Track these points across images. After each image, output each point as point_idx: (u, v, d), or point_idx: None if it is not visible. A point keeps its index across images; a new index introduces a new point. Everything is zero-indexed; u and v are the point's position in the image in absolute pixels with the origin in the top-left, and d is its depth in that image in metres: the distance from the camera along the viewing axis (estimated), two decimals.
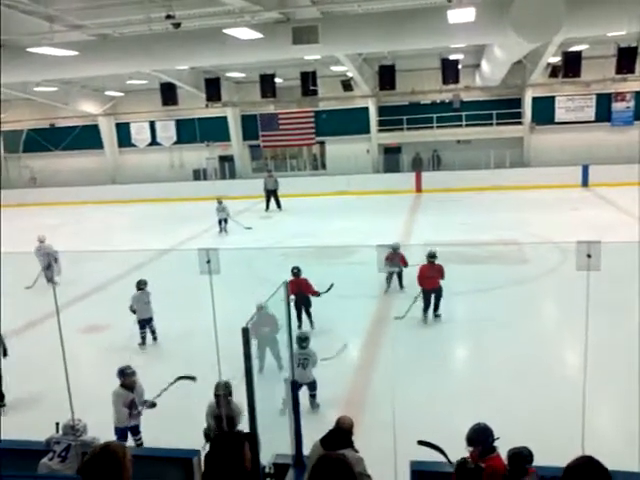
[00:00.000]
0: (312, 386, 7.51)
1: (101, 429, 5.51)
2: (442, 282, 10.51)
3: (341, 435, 4.48)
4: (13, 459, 4.96)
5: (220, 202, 20.47)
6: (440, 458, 4.61)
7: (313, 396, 7.56)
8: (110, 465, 2.69)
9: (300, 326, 10.31)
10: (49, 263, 13.75)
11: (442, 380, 8.27)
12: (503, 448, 4.43)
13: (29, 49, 14.55)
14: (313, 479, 2.70)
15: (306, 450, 5.27)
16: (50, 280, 13.20)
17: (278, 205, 24.49)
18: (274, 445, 5.00)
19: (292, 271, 10.42)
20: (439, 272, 10.52)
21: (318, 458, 2.81)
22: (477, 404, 7.34)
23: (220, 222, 20.33)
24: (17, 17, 14.65)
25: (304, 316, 10.53)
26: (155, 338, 10.40)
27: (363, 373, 8.67)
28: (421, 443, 4.69)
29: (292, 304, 9.23)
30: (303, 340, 7.52)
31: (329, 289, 10.47)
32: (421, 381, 7.97)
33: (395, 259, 11.50)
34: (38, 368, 8.72)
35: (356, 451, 4.43)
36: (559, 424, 6.36)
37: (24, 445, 5.35)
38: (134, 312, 10.12)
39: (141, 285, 10.30)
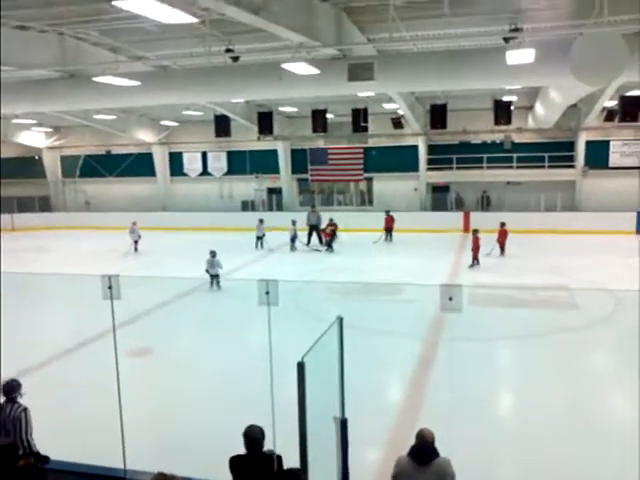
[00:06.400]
0: (218, 276, 15.54)
1: (147, 452, 5.46)
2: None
3: (429, 447, 4.49)
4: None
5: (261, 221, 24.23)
6: None
7: (219, 282, 15.66)
8: None
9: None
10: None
11: (489, 426, 7.98)
12: None
13: (95, 79, 15.12)
14: None
15: None
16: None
17: (320, 240, 24.40)
18: None
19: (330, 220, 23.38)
20: (392, 219, 24.73)
21: None
22: (524, 452, 7.07)
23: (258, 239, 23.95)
24: (85, 49, 15.34)
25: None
26: None
27: (407, 414, 8.43)
28: None
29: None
30: (215, 254, 15.71)
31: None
32: (466, 426, 7.70)
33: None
34: (86, 389, 8.78)
35: None
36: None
37: (74, 468, 5.31)
38: None
39: None
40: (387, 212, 25.03)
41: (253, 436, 4.50)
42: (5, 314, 14.10)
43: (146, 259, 22.42)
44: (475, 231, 19.12)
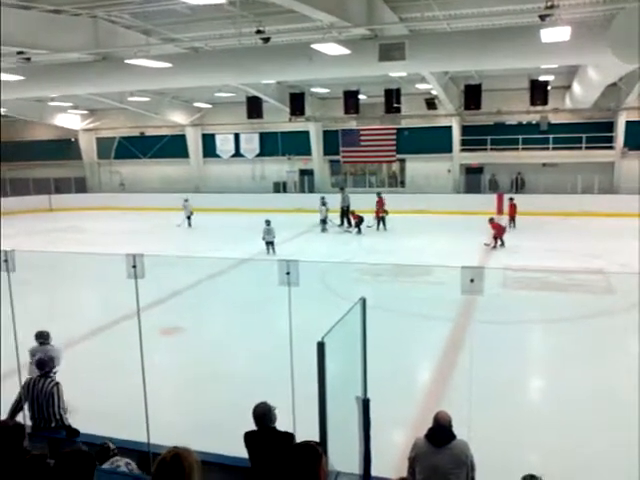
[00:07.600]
0: (273, 243, 18.18)
1: (172, 427, 5.57)
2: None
3: (446, 430, 4.54)
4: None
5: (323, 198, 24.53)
6: None
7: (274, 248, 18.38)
8: (180, 471, 2.69)
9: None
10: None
11: (518, 410, 7.92)
12: None
13: (127, 61, 15.25)
14: None
15: (375, 471, 5.15)
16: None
17: (349, 222, 24.31)
18: (335, 463, 4.90)
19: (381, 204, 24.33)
20: (382, 203, 24.11)
21: None
22: (549, 438, 7.01)
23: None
24: (118, 31, 15.47)
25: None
26: None
27: (432, 396, 8.42)
28: None
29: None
30: (269, 222, 18.35)
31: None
32: (495, 410, 7.66)
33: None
34: (118, 365, 8.99)
35: None
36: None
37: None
38: None
39: None
40: (378, 194, 25.31)
41: (258, 413, 4.74)
42: (41, 292, 14.54)
43: (178, 239, 22.83)
44: (492, 219, 20.00)
